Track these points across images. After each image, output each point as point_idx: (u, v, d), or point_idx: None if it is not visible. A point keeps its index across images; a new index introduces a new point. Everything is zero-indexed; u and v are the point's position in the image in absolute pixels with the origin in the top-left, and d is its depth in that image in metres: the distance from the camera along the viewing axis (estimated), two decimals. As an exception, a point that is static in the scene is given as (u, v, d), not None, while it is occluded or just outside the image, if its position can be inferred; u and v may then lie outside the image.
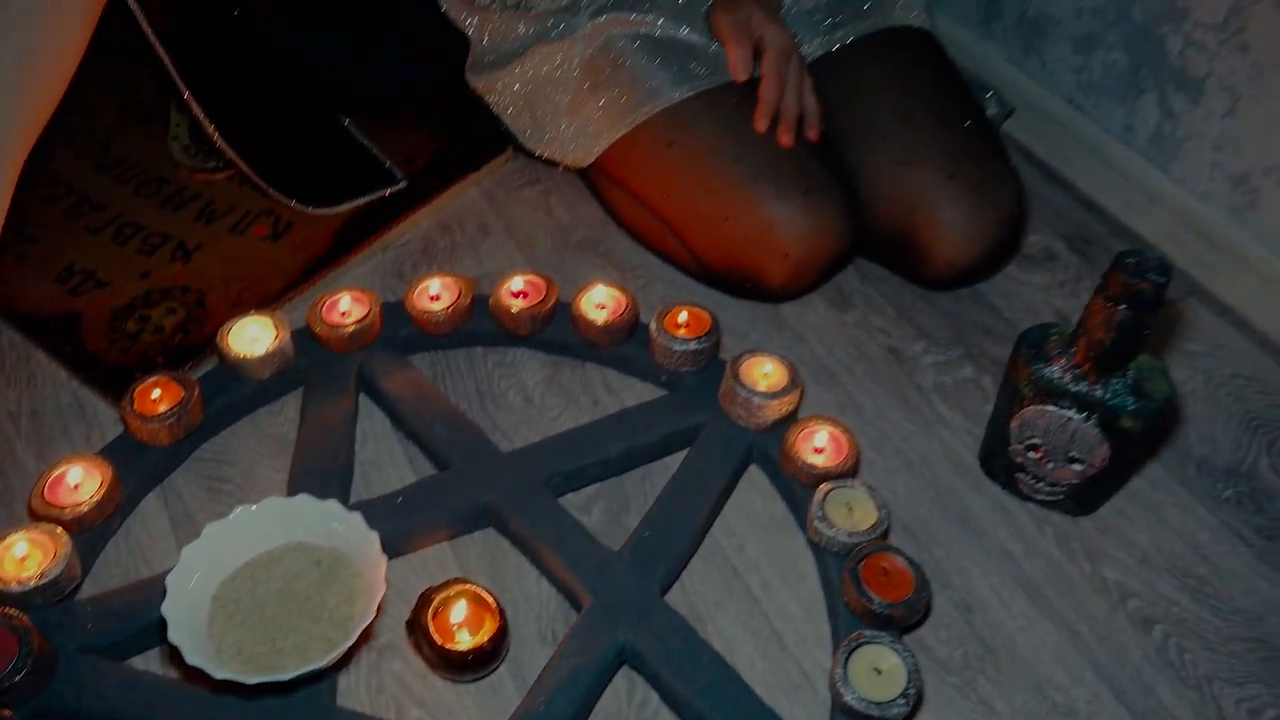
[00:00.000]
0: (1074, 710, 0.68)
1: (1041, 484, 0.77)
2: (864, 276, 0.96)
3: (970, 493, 0.80)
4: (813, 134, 0.88)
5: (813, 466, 0.73)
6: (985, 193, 0.85)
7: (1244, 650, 0.71)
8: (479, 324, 0.86)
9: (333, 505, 0.67)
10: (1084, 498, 0.77)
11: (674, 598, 0.72)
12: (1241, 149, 0.92)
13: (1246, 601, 0.74)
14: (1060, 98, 1.08)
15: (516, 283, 0.85)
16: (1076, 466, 0.73)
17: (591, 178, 0.99)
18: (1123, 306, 0.65)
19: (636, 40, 0.89)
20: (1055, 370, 0.70)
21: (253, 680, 0.58)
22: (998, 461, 0.79)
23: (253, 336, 0.80)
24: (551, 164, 1.00)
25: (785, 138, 0.85)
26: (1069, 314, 0.93)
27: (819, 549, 0.72)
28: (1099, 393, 0.69)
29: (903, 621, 0.66)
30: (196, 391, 0.77)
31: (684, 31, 0.90)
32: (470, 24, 0.97)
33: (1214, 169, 0.95)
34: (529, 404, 0.84)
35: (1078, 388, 0.69)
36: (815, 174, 0.85)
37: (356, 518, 0.66)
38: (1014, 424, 0.74)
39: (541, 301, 0.84)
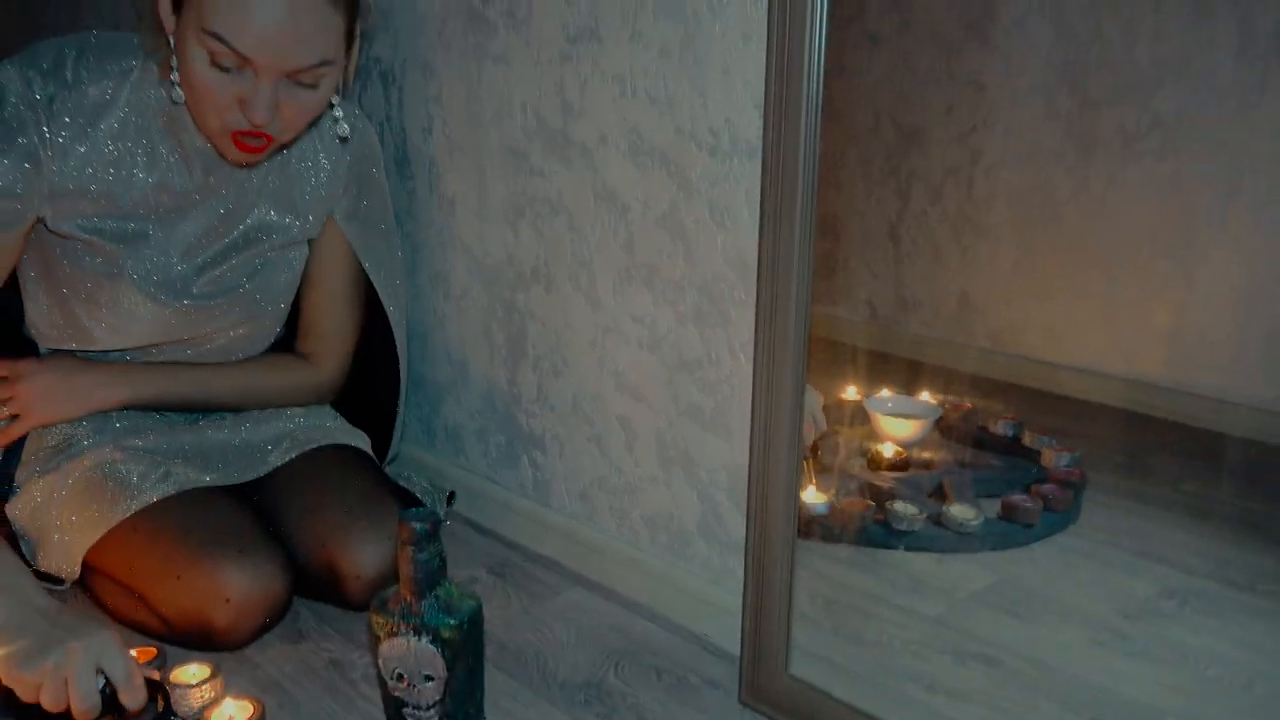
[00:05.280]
0: None
1: (420, 710, 0.99)
2: (320, 619, 1.21)
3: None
4: None
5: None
6: (375, 524, 1.17)
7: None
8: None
9: None
10: (454, 712, 1.00)
11: None
12: (576, 475, 1.32)
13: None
14: (481, 477, 1.47)
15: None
16: (431, 683, 0.98)
17: (83, 578, 1.21)
18: (410, 546, 0.95)
19: (116, 464, 1.18)
20: (392, 609, 0.97)
21: None
22: (390, 708, 1.01)
23: None
24: (59, 581, 1.20)
25: None
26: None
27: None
28: (422, 617, 0.96)
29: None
30: None
31: (155, 456, 1.21)
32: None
33: (568, 494, 1.33)
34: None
35: (407, 617, 0.96)
36: (249, 536, 1.13)
37: None
38: (381, 663, 0.98)
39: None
